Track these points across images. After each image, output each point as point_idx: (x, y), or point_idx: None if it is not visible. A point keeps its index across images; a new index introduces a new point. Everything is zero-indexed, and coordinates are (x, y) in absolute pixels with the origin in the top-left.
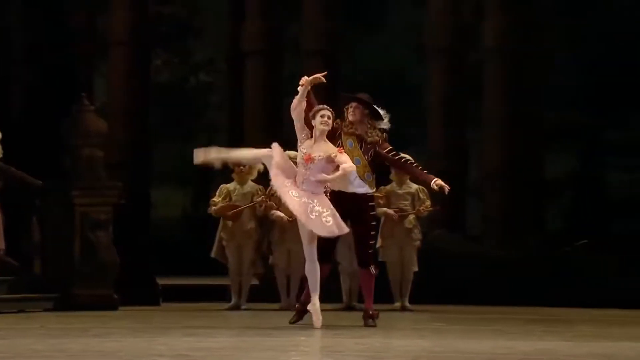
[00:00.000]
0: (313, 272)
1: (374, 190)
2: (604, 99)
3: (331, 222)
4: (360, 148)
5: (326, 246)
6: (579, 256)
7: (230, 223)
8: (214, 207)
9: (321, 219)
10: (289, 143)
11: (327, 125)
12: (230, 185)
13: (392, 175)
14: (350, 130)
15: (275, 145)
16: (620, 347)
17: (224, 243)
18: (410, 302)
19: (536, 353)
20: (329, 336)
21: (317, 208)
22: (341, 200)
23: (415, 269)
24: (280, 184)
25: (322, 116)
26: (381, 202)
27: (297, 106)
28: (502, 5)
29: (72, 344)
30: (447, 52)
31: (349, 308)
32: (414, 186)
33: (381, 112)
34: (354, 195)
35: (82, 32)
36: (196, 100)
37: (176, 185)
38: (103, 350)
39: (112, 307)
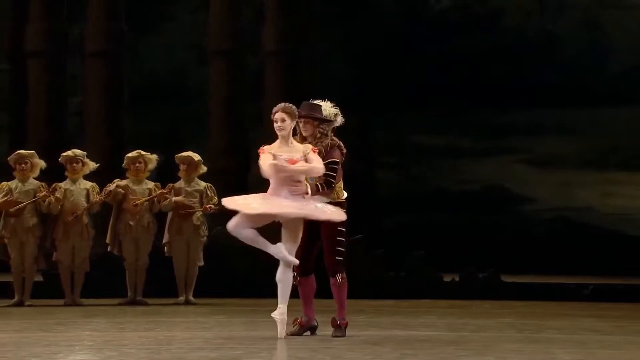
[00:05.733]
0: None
1: (338, 198)
2: (373, 100)
3: (334, 209)
4: None
5: (303, 258)
6: (352, 251)
7: (12, 220)
8: None
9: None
10: (72, 142)
11: (280, 129)
12: (12, 183)
13: (180, 172)
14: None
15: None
16: (389, 335)
17: (6, 240)
18: (194, 296)
19: (323, 344)
20: (113, 330)
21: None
22: None
23: (201, 263)
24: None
25: (275, 121)
26: (168, 196)
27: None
28: (281, 11)
29: None
30: (228, 55)
31: (134, 302)
32: (202, 184)
33: (329, 110)
34: None
35: None
36: None
37: None
38: None
39: None
